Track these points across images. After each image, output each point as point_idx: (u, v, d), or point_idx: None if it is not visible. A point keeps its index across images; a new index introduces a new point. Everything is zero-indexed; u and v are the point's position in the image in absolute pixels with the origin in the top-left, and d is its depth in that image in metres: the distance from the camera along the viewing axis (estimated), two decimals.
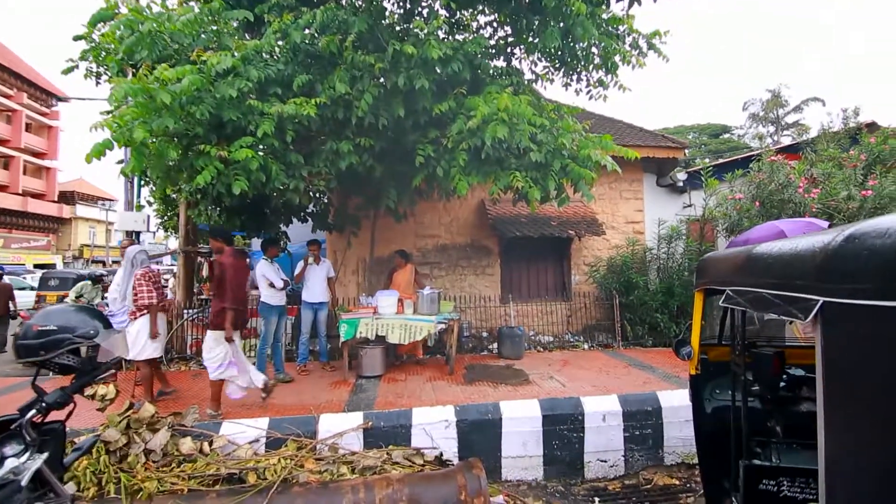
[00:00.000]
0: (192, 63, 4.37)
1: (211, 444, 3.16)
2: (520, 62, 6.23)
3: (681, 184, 8.50)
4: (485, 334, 7.72)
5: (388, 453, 3.34)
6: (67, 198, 35.48)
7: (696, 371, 2.52)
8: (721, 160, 8.68)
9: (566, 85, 6.68)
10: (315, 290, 5.90)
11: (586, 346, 7.37)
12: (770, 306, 1.56)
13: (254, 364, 4.88)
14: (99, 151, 4.02)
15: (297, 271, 5.85)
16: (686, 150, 8.43)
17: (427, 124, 4.86)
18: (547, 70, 6.64)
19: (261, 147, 4.44)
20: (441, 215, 8.03)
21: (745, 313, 2.02)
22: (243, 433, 3.38)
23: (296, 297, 6.24)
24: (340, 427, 3.58)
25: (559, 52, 6.27)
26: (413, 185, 5.18)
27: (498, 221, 7.58)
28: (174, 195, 8.18)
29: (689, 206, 8.65)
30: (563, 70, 6.52)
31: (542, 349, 7.26)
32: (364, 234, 7.30)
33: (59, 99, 28.13)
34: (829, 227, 5.90)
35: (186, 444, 3.05)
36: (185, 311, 7.06)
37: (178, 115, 4.27)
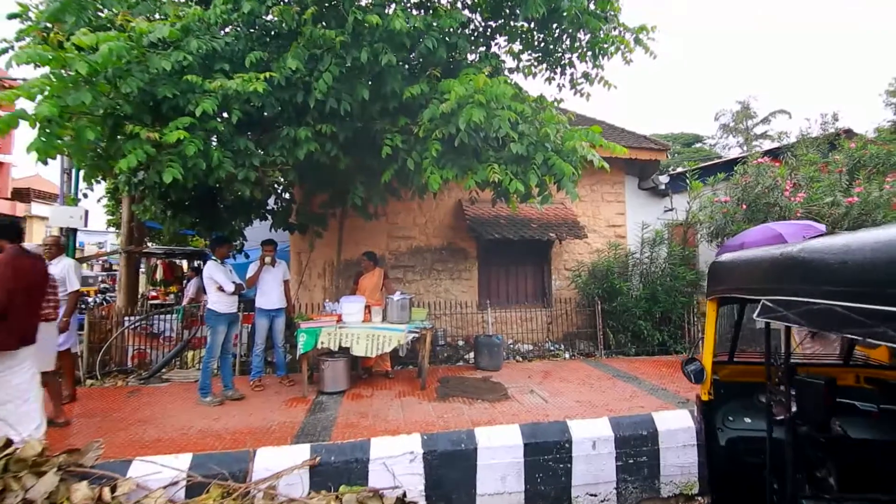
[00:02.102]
0: (120, 30, 3.75)
1: (114, 489, 2.54)
2: (500, 51, 5.82)
3: (663, 187, 8.25)
4: (461, 343, 7.23)
5: (338, 497, 2.79)
6: (22, 195, 33.26)
7: (709, 397, 2.10)
8: (703, 164, 8.51)
9: (549, 79, 6.33)
10: (271, 295, 5.28)
11: (567, 356, 6.97)
12: (840, 324, 1.13)
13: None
14: (3, 127, 3.35)
15: (249, 274, 5.22)
16: (668, 153, 8.20)
17: (397, 111, 4.36)
18: (530, 63, 6.26)
19: (202, 130, 3.84)
20: (416, 216, 7.52)
21: (790, 330, 1.60)
22: (158, 474, 2.76)
23: (249, 303, 5.61)
24: (282, 464, 2.99)
25: (542, 43, 5.90)
26: (382, 180, 4.65)
27: (476, 223, 7.12)
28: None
29: (671, 209, 8.42)
30: (546, 63, 6.16)
31: (521, 359, 6.82)
32: (331, 234, 6.71)
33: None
34: (830, 230, 5.70)
35: (81, 492, 2.42)
36: (126, 318, 6.30)
37: (102, 90, 3.64)
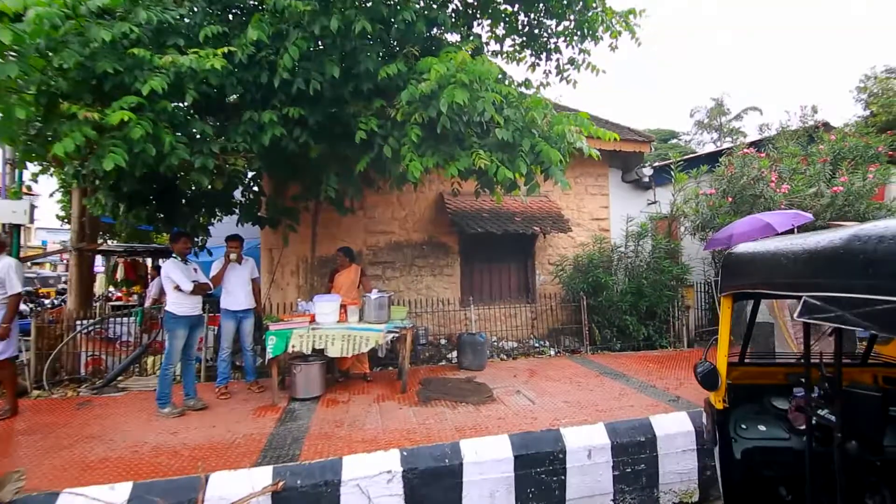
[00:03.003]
0: None
1: None
2: (483, 35, 5.54)
3: (646, 179, 8.14)
4: (443, 341, 6.95)
5: None
6: None
7: (725, 405, 1.87)
8: (686, 156, 8.44)
9: (534, 65, 6.09)
10: (237, 294, 4.88)
11: (552, 352, 6.78)
12: None
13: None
14: None
15: (213, 272, 4.80)
16: (651, 145, 8.09)
17: (372, 93, 4.02)
18: (514, 48, 6.00)
19: (152, 112, 3.42)
20: (395, 209, 7.18)
21: (842, 333, 1.37)
22: None
23: (216, 304, 5.19)
24: (239, 491, 2.65)
25: (526, 27, 5.64)
26: (357, 169, 4.30)
27: (458, 216, 6.84)
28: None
29: (654, 202, 8.32)
30: (531, 48, 5.90)
31: (505, 357, 6.59)
32: (304, 229, 6.30)
33: None
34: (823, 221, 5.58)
35: None
36: (79, 322, 5.77)
37: (35, 63, 3.18)
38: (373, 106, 3.94)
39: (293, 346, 4.44)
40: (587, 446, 3.09)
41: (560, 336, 7.19)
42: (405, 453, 3.00)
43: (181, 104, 3.88)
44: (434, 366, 6.18)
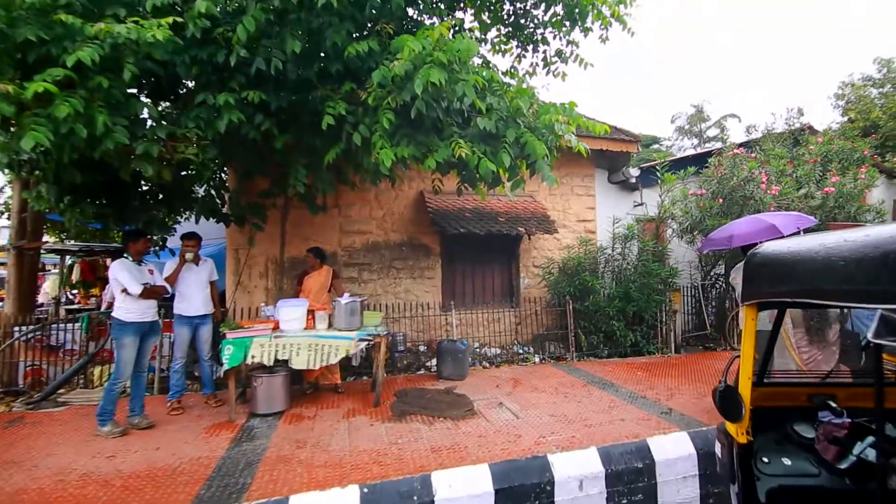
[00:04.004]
0: None
1: None
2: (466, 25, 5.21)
3: (633, 180, 7.93)
4: (423, 348, 6.57)
5: None
6: None
7: (749, 439, 1.55)
8: (673, 158, 8.29)
9: (520, 56, 5.79)
10: (193, 298, 4.42)
11: (537, 359, 6.47)
12: None
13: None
14: None
15: (165, 273, 4.33)
16: (638, 145, 7.89)
17: (341, 75, 3.64)
18: (499, 38, 5.68)
19: (85, 90, 2.98)
20: (372, 208, 6.78)
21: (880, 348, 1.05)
22: None
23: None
24: None
25: (512, 16, 5.33)
26: (326, 160, 3.90)
27: (439, 216, 6.48)
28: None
29: (640, 204, 8.12)
30: (517, 38, 5.61)
31: (488, 364, 6.25)
32: (273, 227, 5.88)
33: None
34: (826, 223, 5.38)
35: None
36: (17, 328, 5.20)
37: None
38: (342, 90, 3.56)
39: (253, 357, 4.01)
40: (578, 476, 2.74)
41: (545, 342, 6.89)
42: (366, 490, 2.59)
43: (128, 84, 3.44)
44: (412, 375, 5.80)
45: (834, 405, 1.73)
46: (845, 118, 13.71)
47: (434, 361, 5.90)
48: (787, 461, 1.62)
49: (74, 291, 10.08)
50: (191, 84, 4.11)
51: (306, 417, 4.12)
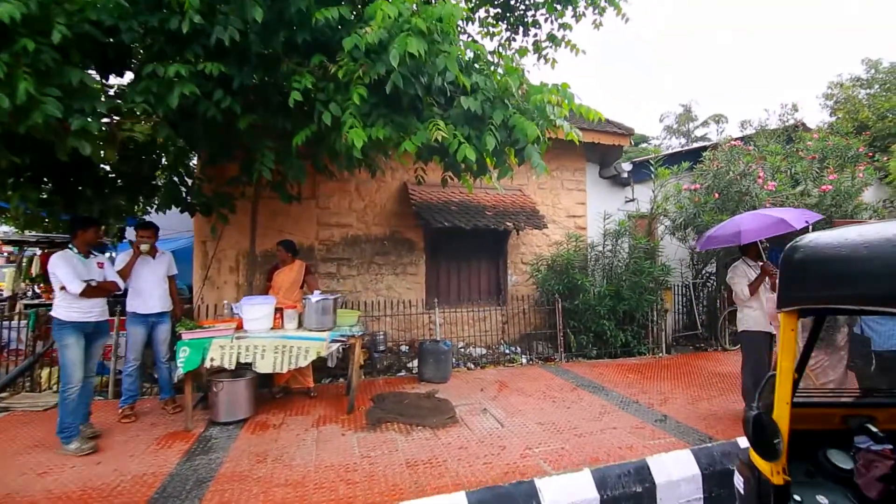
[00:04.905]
0: None
1: None
2: None
3: (625, 175, 7.67)
4: (404, 348, 6.24)
5: None
6: None
7: (787, 478, 1.25)
8: (666, 152, 8.07)
9: (509, 41, 5.46)
10: (149, 295, 4.01)
11: (524, 360, 6.19)
12: None
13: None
14: None
15: (117, 266, 3.92)
16: (637, 133, 7.64)
17: (310, 47, 3.26)
18: (488, 20, 5.36)
19: (7, 54, 2.56)
20: (353, 200, 6.40)
21: None
22: None
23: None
24: None
25: None
26: (294, 143, 3.53)
27: (423, 209, 6.13)
28: None
29: (632, 200, 7.89)
30: (506, 21, 5.28)
31: (472, 366, 5.95)
32: (244, 218, 5.47)
33: None
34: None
35: None
36: None
37: None
38: (311, 63, 3.18)
39: (212, 360, 3.63)
40: None
41: (533, 341, 6.61)
42: None
43: (61, 49, 3.02)
44: (392, 377, 5.46)
45: (874, 429, 1.46)
46: (833, 118, 13.69)
47: (416, 362, 5.57)
48: (822, 499, 1.34)
49: (32, 284, 9.48)
50: (130, 46, 3.67)
51: (271, 426, 3.76)
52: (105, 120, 3.35)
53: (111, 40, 3.29)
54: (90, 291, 3.48)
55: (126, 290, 4.02)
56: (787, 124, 8.16)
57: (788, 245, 1.23)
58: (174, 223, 7.98)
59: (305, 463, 3.06)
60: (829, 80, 15.97)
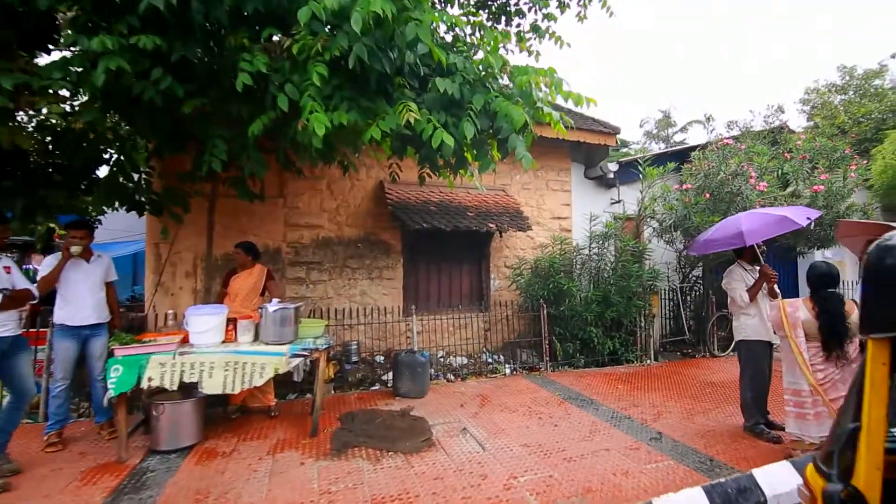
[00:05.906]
0: None
1: None
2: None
3: (611, 175, 7.42)
4: (380, 359, 5.81)
5: None
6: None
7: None
8: (654, 153, 7.87)
9: (492, 29, 5.13)
10: (81, 304, 3.49)
11: (508, 370, 5.83)
12: None
13: None
14: None
15: (44, 271, 3.40)
16: (617, 137, 7.39)
17: (262, 19, 2.84)
18: (468, 9, 5.02)
19: None
20: (324, 199, 5.95)
21: None
22: None
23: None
24: None
25: None
26: (250, 132, 3.09)
27: (400, 209, 5.73)
28: None
29: (618, 201, 7.64)
30: (488, 10, 4.95)
31: (453, 377, 5.55)
32: (200, 217, 4.97)
33: None
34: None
35: None
36: None
37: None
38: (262, 38, 2.76)
39: (150, 380, 3.14)
40: None
41: (517, 350, 6.26)
42: None
43: None
44: (365, 391, 5.02)
45: None
46: (811, 123, 13.86)
47: (391, 374, 5.14)
48: None
49: None
50: (50, 14, 3.18)
51: (220, 454, 3.29)
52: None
53: (25, 9, 2.81)
54: (1, 303, 2.96)
55: (52, 299, 3.50)
56: (772, 126, 8.07)
57: (875, 245, 0.90)
58: (135, 226, 7.39)
59: (254, 502, 2.61)
60: (807, 85, 16.23)
